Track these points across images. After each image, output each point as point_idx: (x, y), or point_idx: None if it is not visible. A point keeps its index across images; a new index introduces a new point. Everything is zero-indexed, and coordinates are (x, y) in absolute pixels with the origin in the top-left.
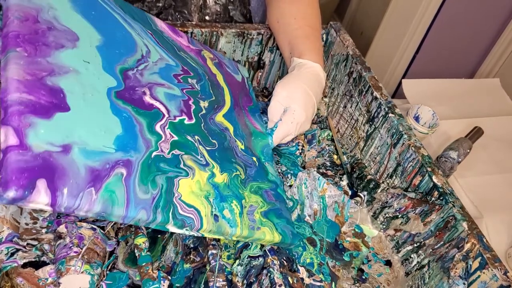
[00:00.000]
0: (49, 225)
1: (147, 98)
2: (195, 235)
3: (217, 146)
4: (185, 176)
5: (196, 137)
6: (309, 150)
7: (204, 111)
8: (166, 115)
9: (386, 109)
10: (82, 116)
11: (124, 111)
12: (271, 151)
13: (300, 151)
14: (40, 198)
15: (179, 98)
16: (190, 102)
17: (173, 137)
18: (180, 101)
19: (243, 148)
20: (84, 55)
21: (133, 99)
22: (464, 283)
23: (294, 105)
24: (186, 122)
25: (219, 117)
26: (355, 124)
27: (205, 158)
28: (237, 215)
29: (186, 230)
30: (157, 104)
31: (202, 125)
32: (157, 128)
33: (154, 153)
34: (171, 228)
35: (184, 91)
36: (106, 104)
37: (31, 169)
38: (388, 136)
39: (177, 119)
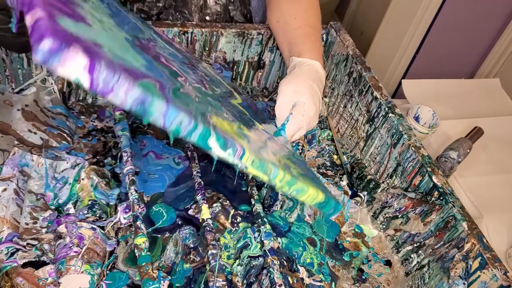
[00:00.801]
0: (49, 225)
1: (163, 60)
2: (237, 164)
3: (238, 116)
4: (215, 115)
5: (217, 102)
6: (309, 150)
7: (219, 92)
8: (185, 77)
9: (386, 109)
10: (105, 37)
11: (144, 55)
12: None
13: (300, 151)
14: (78, 58)
15: (193, 73)
16: (204, 82)
17: (196, 94)
18: (195, 75)
19: (262, 128)
20: (98, 14)
21: (150, 53)
22: (464, 283)
23: (302, 98)
24: (203, 90)
25: (234, 102)
26: (355, 124)
27: (230, 116)
28: (275, 161)
29: (229, 153)
30: (173, 66)
31: (219, 98)
32: (179, 79)
33: (181, 90)
34: (213, 144)
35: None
36: (127, 44)
37: (65, 33)
38: (388, 136)
39: (195, 85)
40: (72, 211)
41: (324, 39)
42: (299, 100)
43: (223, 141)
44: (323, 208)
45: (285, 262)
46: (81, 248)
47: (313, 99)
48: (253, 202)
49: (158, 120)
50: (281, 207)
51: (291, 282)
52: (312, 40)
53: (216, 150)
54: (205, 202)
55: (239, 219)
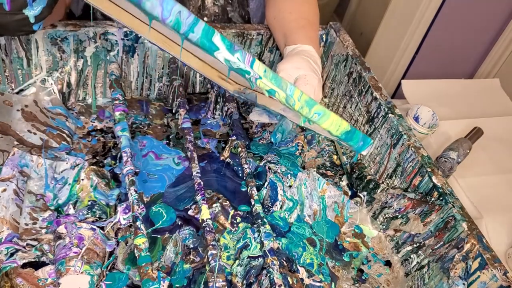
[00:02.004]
0: (49, 225)
1: None
2: (248, 71)
3: None
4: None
5: None
6: (308, 151)
7: None
8: None
9: (386, 109)
10: None
11: None
12: None
13: (300, 151)
14: None
15: None
16: None
17: None
18: None
19: None
20: None
21: None
22: (464, 284)
23: (302, 71)
24: None
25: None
26: (355, 125)
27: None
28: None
29: (238, 58)
30: None
31: None
32: None
33: None
34: (219, 43)
35: None
36: None
37: None
38: (388, 137)
39: None
40: (71, 211)
41: (324, 39)
42: (299, 74)
43: (229, 43)
44: (350, 140)
45: (285, 262)
46: (81, 249)
47: (313, 71)
48: (252, 203)
49: (156, 8)
50: (281, 208)
51: (290, 282)
52: (307, 31)
53: (224, 52)
54: (205, 202)
55: (238, 219)
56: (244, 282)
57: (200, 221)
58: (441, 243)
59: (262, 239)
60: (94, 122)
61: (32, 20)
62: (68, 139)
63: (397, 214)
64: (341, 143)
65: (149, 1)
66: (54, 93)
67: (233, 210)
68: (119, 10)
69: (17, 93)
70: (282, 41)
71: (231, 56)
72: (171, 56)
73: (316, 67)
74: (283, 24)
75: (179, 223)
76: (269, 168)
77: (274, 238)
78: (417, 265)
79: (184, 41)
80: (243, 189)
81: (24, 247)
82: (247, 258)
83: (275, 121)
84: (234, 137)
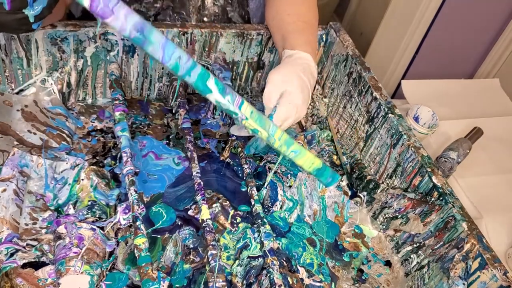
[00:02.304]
0: (49, 225)
1: None
2: (236, 113)
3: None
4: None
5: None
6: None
7: None
8: None
9: (386, 109)
10: None
11: None
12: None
13: None
14: None
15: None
16: None
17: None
18: None
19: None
20: None
21: None
22: (464, 284)
23: (290, 87)
24: None
25: None
26: (355, 125)
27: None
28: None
29: (228, 100)
30: None
31: None
32: None
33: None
34: (212, 86)
35: None
36: None
37: None
38: (387, 137)
39: None
40: (71, 211)
41: (324, 39)
42: (286, 89)
43: (222, 86)
44: (321, 176)
45: (284, 262)
46: (81, 249)
47: (301, 88)
48: (252, 203)
49: (157, 52)
50: (280, 208)
51: (290, 282)
52: (305, 34)
53: (216, 94)
54: (205, 202)
55: (238, 219)
56: (244, 282)
57: (200, 221)
58: (441, 243)
59: (262, 239)
60: (94, 122)
61: (32, 20)
62: (68, 139)
63: (397, 214)
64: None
65: (151, 46)
66: (54, 93)
67: (233, 210)
68: None
69: (17, 93)
70: (280, 43)
71: (222, 98)
72: None
73: (307, 80)
74: (281, 26)
75: (179, 223)
76: (269, 168)
77: (274, 238)
78: (417, 265)
79: None
80: (243, 189)
81: (24, 247)
82: (247, 258)
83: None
84: (234, 137)
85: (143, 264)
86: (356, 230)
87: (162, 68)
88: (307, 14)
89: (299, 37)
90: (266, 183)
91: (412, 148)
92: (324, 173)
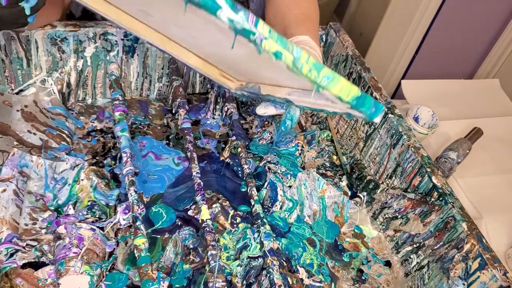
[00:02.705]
0: (49, 225)
1: None
2: (252, 32)
3: None
4: None
5: None
6: (308, 151)
7: None
8: None
9: (386, 109)
10: None
11: None
12: None
13: (300, 151)
14: None
15: None
16: None
17: None
18: None
19: None
20: None
21: None
22: (463, 284)
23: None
24: None
25: None
26: (355, 125)
27: None
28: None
29: (241, 16)
30: None
31: None
32: None
33: None
34: (221, 2)
35: None
36: None
37: None
38: (387, 137)
39: None
40: (71, 211)
41: (324, 39)
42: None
43: (231, 1)
44: (362, 106)
45: (284, 262)
46: (81, 249)
47: (311, 54)
48: (252, 203)
49: None
50: (280, 208)
51: (290, 282)
52: (306, 25)
53: (226, 10)
54: (205, 202)
55: (238, 219)
56: (244, 282)
57: (200, 221)
58: (441, 243)
59: (262, 240)
60: (94, 122)
61: (28, 12)
62: (68, 139)
63: (397, 214)
64: (351, 113)
65: None
66: (54, 93)
67: (233, 211)
68: (118, 12)
69: (17, 93)
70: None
71: (234, 15)
72: (171, 56)
73: (314, 53)
74: (281, 21)
75: (179, 224)
76: (269, 169)
77: (274, 239)
78: (417, 266)
79: (187, 38)
80: (243, 189)
81: (23, 248)
82: (247, 259)
83: (282, 111)
84: (234, 138)
85: (143, 265)
86: (356, 231)
87: (162, 68)
88: (308, 8)
89: (300, 28)
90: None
91: (412, 148)
92: (365, 102)
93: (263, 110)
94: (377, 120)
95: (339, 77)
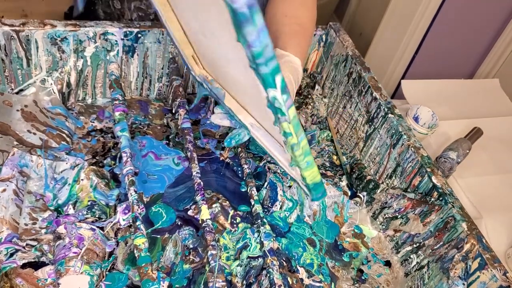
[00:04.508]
0: (48, 225)
1: None
2: (283, 112)
3: None
4: None
5: None
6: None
7: None
8: None
9: (386, 109)
10: None
11: None
12: None
13: None
14: None
15: None
16: None
17: None
18: None
19: None
20: None
21: None
22: (463, 284)
23: None
24: None
25: None
26: (355, 125)
27: None
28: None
29: (284, 99)
30: None
31: None
32: None
33: None
34: (278, 82)
35: None
36: None
37: None
38: (387, 137)
39: None
40: (71, 211)
41: (324, 39)
42: None
43: (285, 84)
44: (315, 190)
45: (284, 262)
46: (81, 249)
47: (290, 84)
48: (252, 203)
49: (253, 34)
50: (280, 208)
51: (290, 282)
52: (298, 38)
53: (278, 90)
54: (205, 202)
55: (238, 219)
56: (244, 282)
57: (200, 221)
58: (441, 243)
59: (262, 239)
60: (93, 122)
61: None
62: (68, 139)
63: (397, 214)
64: (300, 186)
65: (248, 27)
66: (54, 93)
67: (232, 210)
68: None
69: (17, 93)
70: (274, 45)
71: (280, 95)
72: (171, 56)
73: (293, 82)
74: (276, 28)
75: (179, 223)
76: (269, 168)
77: (274, 239)
78: (416, 265)
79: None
80: (243, 189)
81: (23, 247)
82: (247, 259)
83: (234, 127)
84: None
85: (143, 264)
86: (356, 230)
87: (162, 68)
88: (303, 18)
89: (292, 40)
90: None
91: (412, 148)
92: (318, 188)
93: (218, 120)
94: (314, 203)
95: (314, 165)
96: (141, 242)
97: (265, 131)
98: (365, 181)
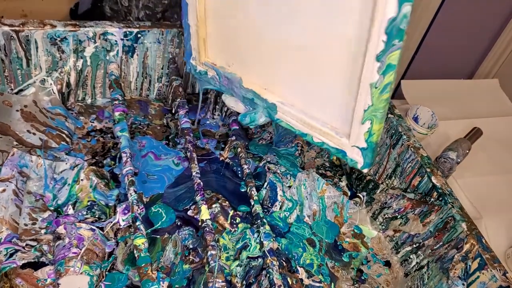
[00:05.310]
0: (48, 225)
1: None
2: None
3: None
4: None
5: None
6: (308, 151)
7: None
8: None
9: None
10: None
11: None
12: None
13: (300, 151)
14: None
15: None
16: None
17: None
18: None
19: None
20: None
21: None
22: (463, 284)
23: None
24: None
25: None
26: None
27: None
28: None
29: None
30: None
31: None
32: None
33: None
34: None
35: None
36: None
37: None
38: (387, 137)
39: None
40: (71, 212)
41: None
42: None
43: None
44: (370, 151)
45: (284, 263)
46: (80, 249)
47: None
48: (252, 203)
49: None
50: (280, 208)
51: (290, 283)
52: None
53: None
54: (204, 202)
55: (238, 220)
56: (244, 282)
57: (200, 221)
58: (441, 243)
59: (262, 240)
60: (93, 122)
61: None
62: (68, 139)
63: (397, 214)
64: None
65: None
66: (54, 93)
67: (232, 211)
68: None
69: (17, 93)
70: None
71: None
72: (170, 56)
73: None
74: None
75: (179, 224)
76: (269, 169)
77: (274, 239)
78: (416, 266)
79: None
80: (243, 190)
81: (23, 248)
82: (246, 259)
83: (248, 112)
84: (233, 138)
85: (142, 265)
86: (356, 231)
87: (162, 68)
88: None
89: None
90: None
91: (412, 148)
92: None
93: (233, 103)
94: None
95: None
96: (141, 242)
97: (300, 107)
98: (364, 181)
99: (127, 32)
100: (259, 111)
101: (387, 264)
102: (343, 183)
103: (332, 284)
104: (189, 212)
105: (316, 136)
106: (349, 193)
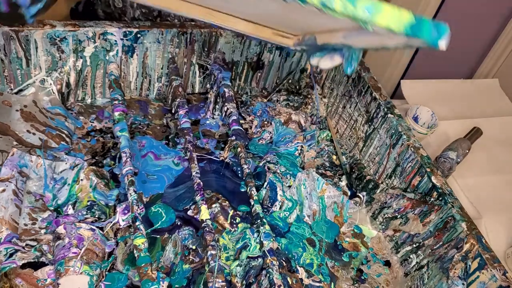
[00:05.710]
0: (48, 225)
1: None
2: None
3: None
4: None
5: None
6: (308, 151)
7: None
8: None
9: (385, 109)
10: None
11: None
12: None
13: (299, 151)
14: None
15: None
16: None
17: None
18: None
19: None
20: None
21: None
22: (463, 284)
23: None
24: None
25: None
26: (354, 125)
27: None
28: None
29: None
30: None
31: None
32: None
33: None
34: None
35: None
36: None
37: None
38: (387, 137)
39: None
40: (71, 211)
41: None
42: None
43: None
44: (420, 33)
45: (284, 262)
46: (80, 249)
47: None
48: (252, 203)
49: None
50: (280, 208)
51: (290, 282)
52: None
53: None
54: (204, 202)
55: (238, 219)
56: (244, 282)
57: (200, 221)
58: (441, 243)
59: (262, 240)
60: (93, 122)
61: (28, 19)
62: (67, 139)
63: (397, 214)
64: (412, 44)
65: None
66: (53, 93)
67: (232, 211)
68: None
69: (16, 93)
70: None
71: None
72: (170, 56)
73: None
74: None
75: (179, 224)
76: (269, 168)
77: (274, 239)
78: (416, 265)
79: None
80: (243, 189)
81: (23, 248)
82: (246, 259)
83: (337, 63)
84: (233, 137)
85: (142, 265)
86: (356, 230)
87: (161, 68)
88: None
89: None
90: None
91: (412, 148)
92: (422, 27)
93: (329, 62)
94: (443, 44)
95: (382, 6)
96: (141, 242)
97: (352, 31)
98: (364, 181)
99: (127, 32)
100: (353, 52)
101: (387, 264)
102: (343, 183)
103: (332, 283)
104: (189, 212)
105: (387, 45)
106: (349, 193)
